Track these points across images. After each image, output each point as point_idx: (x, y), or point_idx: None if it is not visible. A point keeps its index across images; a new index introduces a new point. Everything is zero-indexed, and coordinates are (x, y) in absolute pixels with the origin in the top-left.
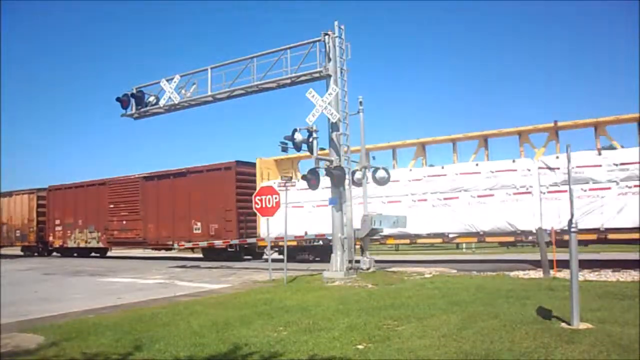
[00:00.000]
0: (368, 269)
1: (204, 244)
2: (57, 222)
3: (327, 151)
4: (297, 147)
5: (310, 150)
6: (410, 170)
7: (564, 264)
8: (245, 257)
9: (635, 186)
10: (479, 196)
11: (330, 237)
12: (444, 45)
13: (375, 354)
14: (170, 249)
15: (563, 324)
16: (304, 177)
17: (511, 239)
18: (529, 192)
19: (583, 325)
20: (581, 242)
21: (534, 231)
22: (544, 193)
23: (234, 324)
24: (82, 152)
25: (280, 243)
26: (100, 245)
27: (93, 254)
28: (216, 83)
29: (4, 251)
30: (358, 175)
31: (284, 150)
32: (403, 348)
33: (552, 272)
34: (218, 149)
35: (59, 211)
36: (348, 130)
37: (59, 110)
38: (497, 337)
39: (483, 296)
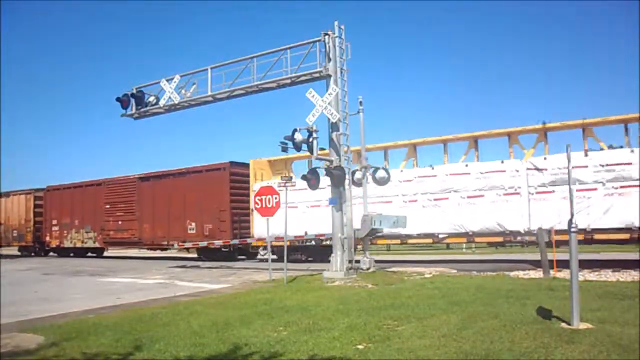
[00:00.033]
0: (368, 269)
1: (204, 243)
2: (54, 222)
3: (327, 151)
4: (297, 147)
5: (310, 150)
6: (402, 171)
7: (564, 264)
8: (240, 257)
9: (621, 187)
10: (468, 197)
11: (321, 237)
12: (444, 45)
13: (375, 354)
14: (166, 249)
15: (563, 324)
16: (303, 177)
17: (500, 239)
18: (518, 193)
19: (583, 325)
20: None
21: (523, 232)
22: (533, 194)
23: (234, 324)
24: (82, 152)
25: (275, 243)
26: (97, 245)
27: (90, 254)
28: (216, 83)
29: (2, 251)
30: (358, 175)
31: (284, 150)
32: (403, 348)
33: (552, 272)
34: (218, 149)
35: (55, 211)
36: (348, 130)
37: (59, 110)
38: (497, 337)
39: (483, 296)
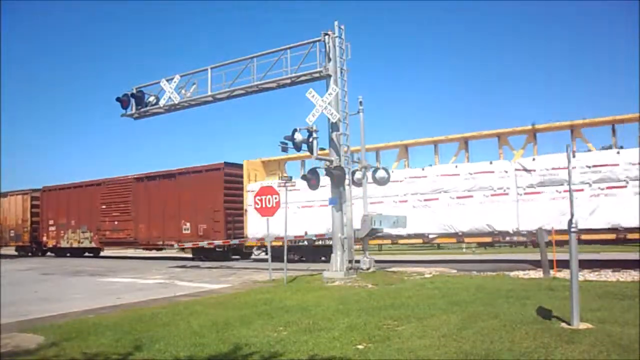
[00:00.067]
0: (368, 269)
1: (204, 243)
2: (51, 222)
3: (327, 151)
4: (297, 147)
5: (310, 150)
6: (392, 171)
7: (564, 264)
8: (233, 256)
9: (607, 188)
10: (458, 197)
11: (312, 238)
12: (444, 45)
13: (375, 354)
14: (161, 249)
15: (563, 324)
16: (303, 177)
17: (489, 239)
18: (506, 194)
19: (583, 325)
20: (558, 243)
21: (511, 232)
22: (521, 195)
23: (234, 324)
24: (82, 152)
25: (266, 243)
26: (93, 245)
27: (87, 254)
28: (216, 83)
29: (1, 251)
30: (358, 175)
31: (284, 150)
32: (403, 348)
33: (552, 272)
34: (218, 149)
35: (52, 211)
36: (348, 130)
37: (59, 110)
38: (497, 337)
39: (483, 296)
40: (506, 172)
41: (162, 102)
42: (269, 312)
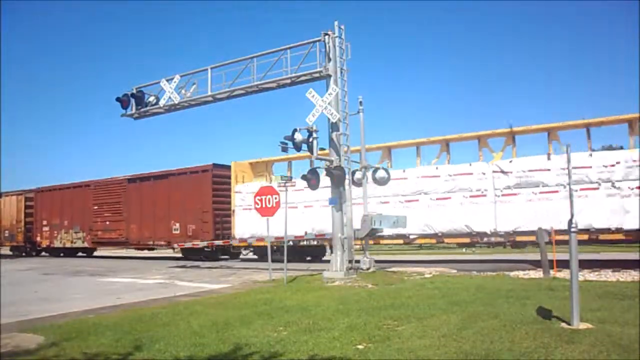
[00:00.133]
0: (368, 269)
1: (204, 243)
2: (45, 222)
3: (327, 151)
4: (297, 147)
5: (310, 150)
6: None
7: (564, 264)
8: (222, 256)
9: (581, 189)
10: (437, 199)
11: (299, 239)
12: (444, 45)
13: (375, 354)
14: (153, 249)
15: (563, 324)
16: (303, 177)
17: (467, 240)
18: (485, 195)
19: (583, 325)
20: (534, 243)
21: (489, 232)
22: (498, 196)
23: (234, 324)
24: (82, 152)
25: (254, 244)
26: (86, 245)
27: (80, 254)
28: (216, 83)
29: None
30: (358, 175)
31: (284, 150)
32: (403, 348)
33: (552, 272)
34: (218, 149)
35: (46, 212)
36: (348, 130)
37: (59, 110)
38: (497, 337)
39: (483, 296)
40: (484, 174)
41: (162, 102)
42: (269, 312)
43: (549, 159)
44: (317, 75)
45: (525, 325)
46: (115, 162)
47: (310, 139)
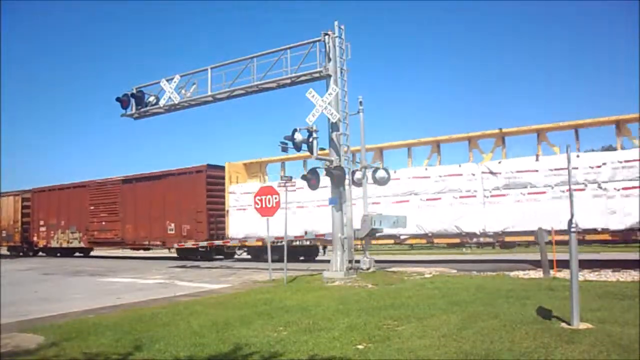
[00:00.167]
0: (368, 269)
1: (204, 244)
2: (41, 222)
3: (327, 151)
4: (297, 147)
5: (310, 150)
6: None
7: (564, 264)
8: (217, 256)
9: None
10: (428, 199)
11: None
12: (444, 45)
13: (375, 354)
14: (148, 249)
15: (563, 324)
16: (303, 177)
17: (457, 240)
18: (474, 196)
19: (583, 325)
20: (526, 243)
21: (478, 233)
22: (487, 197)
23: (234, 324)
24: (82, 152)
25: (247, 243)
26: (82, 245)
27: (77, 254)
28: (216, 83)
29: None
30: (358, 175)
31: (284, 150)
32: (403, 348)
33: (552, 272)
34: (218, 149)
35: (42, 212)
36: (348, 130)
37: (59, 110)
38: (497, 337)
39: (483, 296)
40: (473, 174)
41: (162, 102)
42: (269, 312)
43: (537, 160)
44: (317, 75)
45: (525, 325)
46: (115, 162)
47: (310, 139)
